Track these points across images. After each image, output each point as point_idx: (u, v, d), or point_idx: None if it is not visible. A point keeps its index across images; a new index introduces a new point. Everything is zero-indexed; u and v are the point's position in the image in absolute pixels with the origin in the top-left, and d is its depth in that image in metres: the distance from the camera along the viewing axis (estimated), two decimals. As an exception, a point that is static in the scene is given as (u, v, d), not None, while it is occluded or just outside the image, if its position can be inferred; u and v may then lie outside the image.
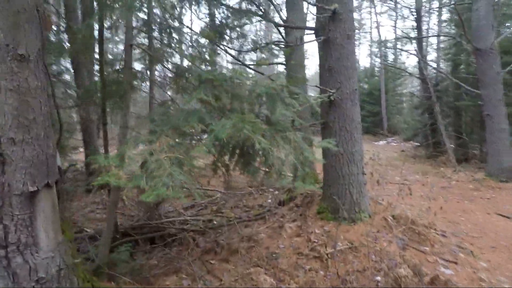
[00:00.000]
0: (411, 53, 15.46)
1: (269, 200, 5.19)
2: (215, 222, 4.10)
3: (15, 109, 1.53)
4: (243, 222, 4.01)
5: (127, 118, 3.01)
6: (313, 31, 3.70)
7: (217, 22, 3.73)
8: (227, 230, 3.67)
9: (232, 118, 1.63)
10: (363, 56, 36.82)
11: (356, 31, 35.79)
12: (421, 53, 11.84)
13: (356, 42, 35.65)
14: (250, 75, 2.29)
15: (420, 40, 12.25)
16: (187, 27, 4.14)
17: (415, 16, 12.30)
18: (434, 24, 21.90)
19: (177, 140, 1.67)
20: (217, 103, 1.84)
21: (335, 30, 3.44)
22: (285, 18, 5.68)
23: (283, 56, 6.30)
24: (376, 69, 24.32)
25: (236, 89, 1.91)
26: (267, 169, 2.02)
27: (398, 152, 13.99)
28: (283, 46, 6.17)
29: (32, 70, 1.61)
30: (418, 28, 12.25)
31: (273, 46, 5.59)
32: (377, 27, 22.18)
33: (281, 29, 6.32)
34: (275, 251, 3.07)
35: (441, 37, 16.78)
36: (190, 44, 3.41)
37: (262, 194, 5.58)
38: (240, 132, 1.55)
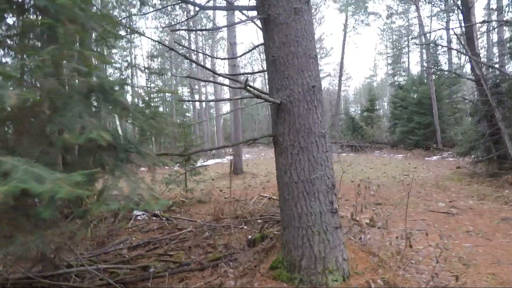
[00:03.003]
0: (459, 51, 13.17)
1: (250, 236, 4.09)
2: (152, 269, 3.16)
3: None
4: (184, 273, 3.00)
5: None
6: (255, 11, 2.70)
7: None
8: (149, 286, 2.70)
9: None
10: (413, 63, 33.36)
11: (404, 38, 32.87)
12: (472, 50, 9.81)
13: (405, 49, 32.72)
14: None
15: (470, 34, 10.23)
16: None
17: (461, 8, 10.37)
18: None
19: None
20: None
21: (276, 4, 2.41)
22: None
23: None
24: (428, 75, 21.63)
25: None
26: None
27: (453, 169, 11.61)
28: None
29: None
30: (467, 19, 10.25)
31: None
32: (422, 29, 19.65)
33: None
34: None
35: (506, 32, 14.16)
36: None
37: (242, 228, 4.49)
38: None
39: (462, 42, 9.94)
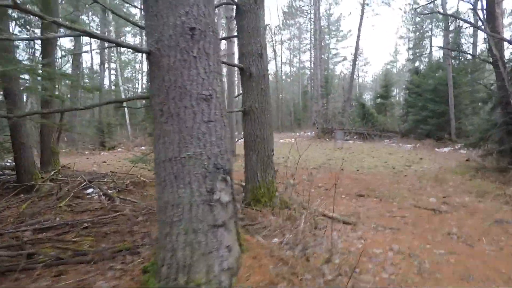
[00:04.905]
0: (477, 27, 11.76)
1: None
2: (41, 257, 2.66)
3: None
4: (73, 265, 2.48)
5: None
6: None
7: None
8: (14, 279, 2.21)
9: None
10: (436, 49, 30.64)
11: (427, 20, 30.40)
12: (492, 27, 8.58)
13: (427, 33, 30.36)
14: None
15: (492, 9, 8.96)
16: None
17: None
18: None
19: None
20: None
21: None
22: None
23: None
24: (447, 59, 19.85)
25: None
26: None
27: (461, 162, 10.54)
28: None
29: None
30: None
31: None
32: (445, 13, 17.73)
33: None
34: None
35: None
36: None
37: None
38: None
39: (481, 18, 8.71)
